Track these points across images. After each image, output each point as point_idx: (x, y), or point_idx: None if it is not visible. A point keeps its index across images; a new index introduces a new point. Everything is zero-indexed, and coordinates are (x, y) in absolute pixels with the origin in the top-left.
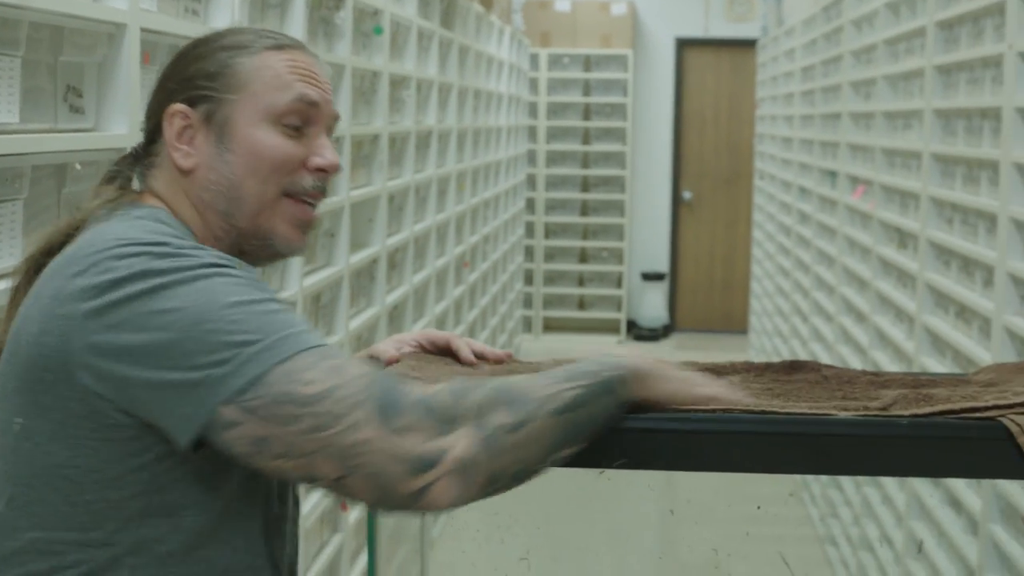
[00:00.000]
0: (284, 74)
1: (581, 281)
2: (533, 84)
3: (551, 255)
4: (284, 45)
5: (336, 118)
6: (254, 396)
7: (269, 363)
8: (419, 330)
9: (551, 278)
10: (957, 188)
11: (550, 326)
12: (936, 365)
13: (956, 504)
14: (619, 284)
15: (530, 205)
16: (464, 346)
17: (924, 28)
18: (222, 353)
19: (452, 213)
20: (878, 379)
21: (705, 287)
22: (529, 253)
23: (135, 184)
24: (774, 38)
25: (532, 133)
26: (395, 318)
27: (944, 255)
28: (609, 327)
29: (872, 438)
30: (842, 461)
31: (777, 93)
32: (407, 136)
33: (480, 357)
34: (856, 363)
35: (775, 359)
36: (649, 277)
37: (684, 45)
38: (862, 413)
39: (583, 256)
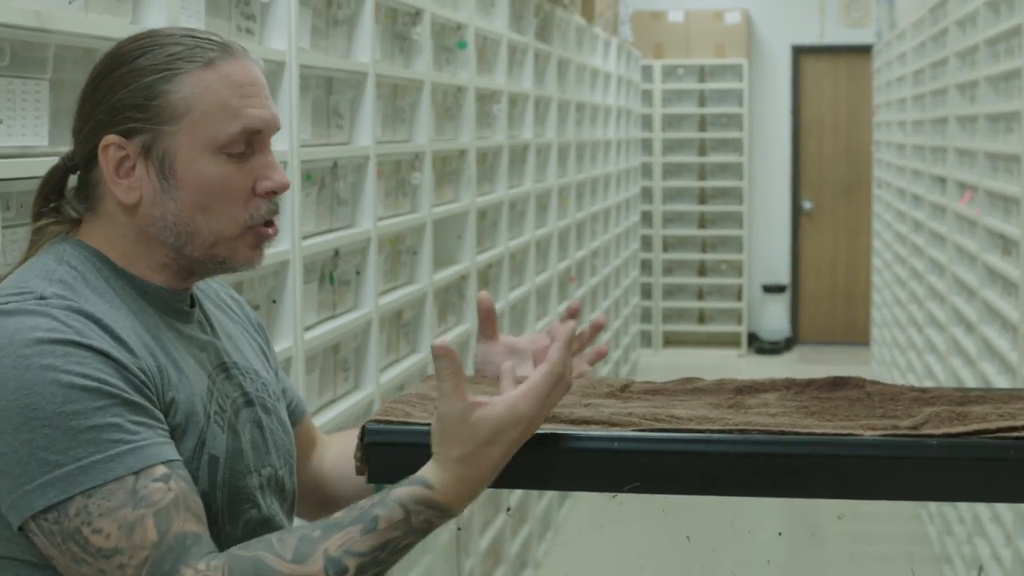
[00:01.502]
0: (227, 99)
1: (700, 295)
2: (647, 96)
3: (669, 269)
4: (212, 59)
5: (278, 127)
6: (52, 520)
7: (72, 491)
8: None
9: (670, 292)
10: None
11: (670, 340)
12: None
13: None
14: (739, 297)
15: (647, 218)
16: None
17: (1020, 26)
18: (30, 467)
19: (554, 228)
20: (924, 396)
21: (828, 298)
22: (647, 267)
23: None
24: (887, 42)
25: (647, 146)
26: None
27: None
28: (730, 341)
29: (898, 460)
30: (866, 484)
31: (891, 99)
32: (499, 151)
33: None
34: (967, 376)
35: (895, 371)
36: (770, 289)
37: (800, 53)
38: (889, 433)
39: (702, 269)
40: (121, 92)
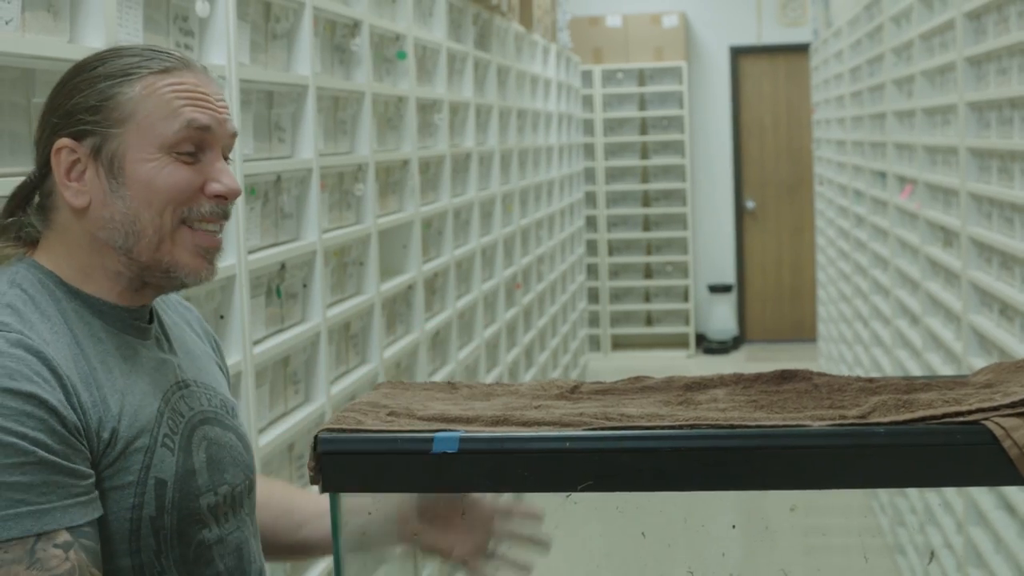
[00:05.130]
0: (170, 101)
1: (647, 297)
2: (588, 101)
3: (615, 272)
4: (168, 68)
5: (233, 136)
6: None
7: None
8: None
9: (617, 295)
10: (993, 182)
11: (619, 343)
12: (983, 366)
13: (1009, 508)
14: (686, 298)
15: (591, 223)
16: None
17: (953, 20)
18: None
19: (499, 235)
20: (870, 385)
21: (774, 296)
22: (593, 271)
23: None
24: (824, 41)
25: (590, 151)
26: (438, 344)
27: (985, 252)
28: (678, 342)
29: (846, 448)
30: (817, 474)
31: (830, 96)
32: (441, 160)
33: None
34: (913, 368)
35: (843, 366)
36: (716, 289)
37: (738, 54)
38: (837, 423)
39: (648, 272)
40: (77, 97)
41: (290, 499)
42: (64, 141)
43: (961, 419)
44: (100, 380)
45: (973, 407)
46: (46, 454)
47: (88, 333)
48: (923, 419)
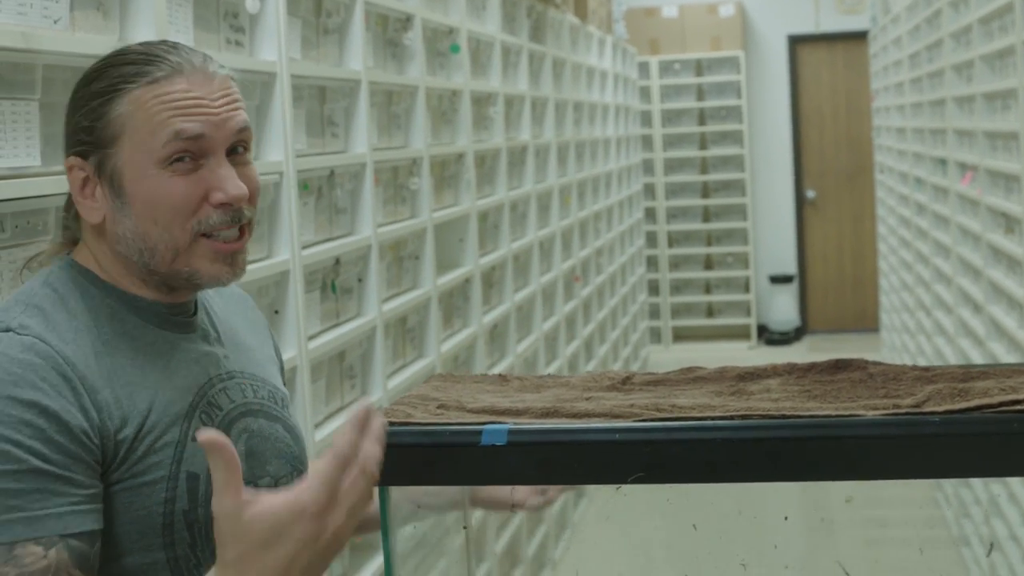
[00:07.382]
0: (156, 113)
1: (708, 288)
2: (645, 93)
3: (676, 264)
4: (157, 77)
5: (241, 131)
6: None
7: None
8: None
9: (677, 287)
10: None
11: (680, 335)
12: None
13: None
14: (747, 289)
15: (651, 214)
16: None
17: (1013, 3)
18: None
19: (557, 228)
20: (926, 374)
21: (836, 286)
22: (653, 263)
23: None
24: (882, 28)
25: (648, 142)
26: (496, 337)
27: None
28: (740, 333)
29: (901, 438)
30: (870, 464)
31: (889, 83)
32: (497, 153)
33: None
34: (976, 357)
35: (906, 356)
36: (777, 280)
37: (796, 42)
38: (891, 412)
39: (708, 263)
40: (76, 115)
41: None
42: (72, 159)
43: (1018, 407)
44: (128, 377)
45: None
46: (40, 463)
47: (120, 331)
48: (978, 408)
